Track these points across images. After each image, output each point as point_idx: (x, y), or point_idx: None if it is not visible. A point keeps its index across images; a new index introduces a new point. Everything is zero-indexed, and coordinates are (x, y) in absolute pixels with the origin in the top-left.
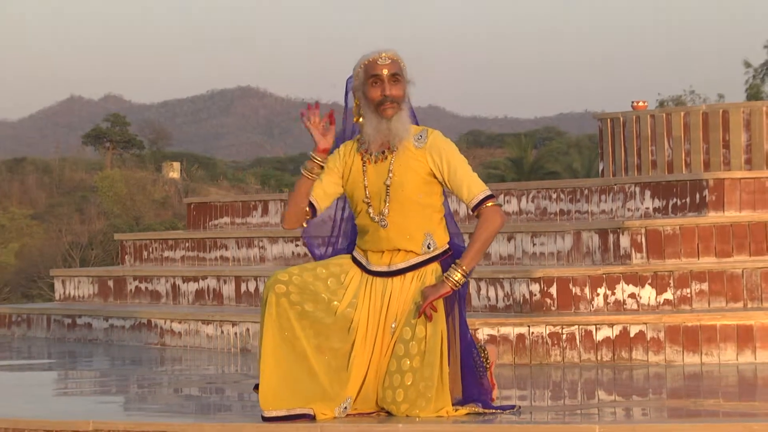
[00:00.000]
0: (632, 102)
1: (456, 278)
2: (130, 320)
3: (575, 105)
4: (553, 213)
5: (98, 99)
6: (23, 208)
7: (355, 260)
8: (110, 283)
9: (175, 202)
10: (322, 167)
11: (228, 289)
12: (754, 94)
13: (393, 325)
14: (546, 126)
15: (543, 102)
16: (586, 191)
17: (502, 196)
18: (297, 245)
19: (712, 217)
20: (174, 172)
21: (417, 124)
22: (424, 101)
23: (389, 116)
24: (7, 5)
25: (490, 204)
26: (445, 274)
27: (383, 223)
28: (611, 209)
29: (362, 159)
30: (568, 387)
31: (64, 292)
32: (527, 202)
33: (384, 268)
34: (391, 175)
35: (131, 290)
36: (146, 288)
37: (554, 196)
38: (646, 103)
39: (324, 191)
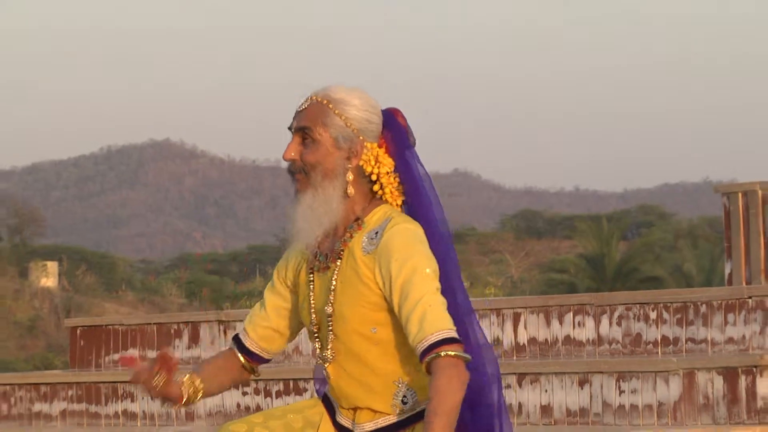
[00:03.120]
0: None
1: None
2: None
3: (687, 171)
4: (652, 342)
5: None
6: None
7: (326, 402)
8: None
9: (51, 326)
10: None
11: None
12: None
13: None
14: (641, 204)
15: (637, 167)
16: (703, 308)
17: (570, 314)
18: (245, 393)
19: None
20: (48, 277)
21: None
22: (448, 165)
23: (297, 196)
24: None
25: (443, 354)
26: None
27: (323, 373)
28: (743, 336)
29: (309, 261)
30: None
31: None
32: (611, 324)
33: (349, 424)
34: (331, 297)
35: None
36: None
37: (653, 315)
38: None
39: (267, 326)
